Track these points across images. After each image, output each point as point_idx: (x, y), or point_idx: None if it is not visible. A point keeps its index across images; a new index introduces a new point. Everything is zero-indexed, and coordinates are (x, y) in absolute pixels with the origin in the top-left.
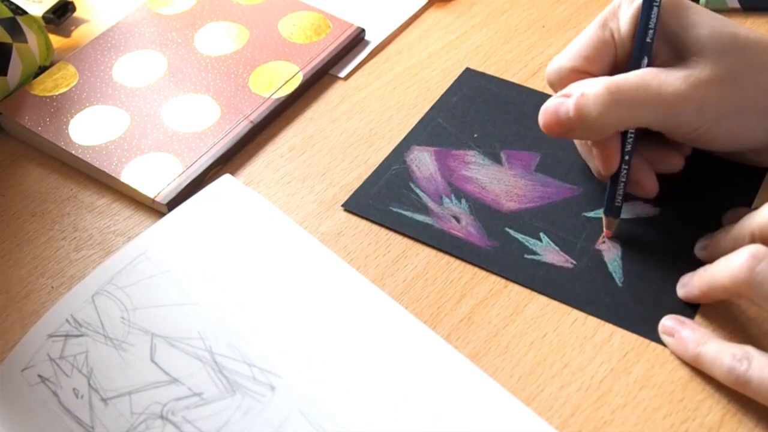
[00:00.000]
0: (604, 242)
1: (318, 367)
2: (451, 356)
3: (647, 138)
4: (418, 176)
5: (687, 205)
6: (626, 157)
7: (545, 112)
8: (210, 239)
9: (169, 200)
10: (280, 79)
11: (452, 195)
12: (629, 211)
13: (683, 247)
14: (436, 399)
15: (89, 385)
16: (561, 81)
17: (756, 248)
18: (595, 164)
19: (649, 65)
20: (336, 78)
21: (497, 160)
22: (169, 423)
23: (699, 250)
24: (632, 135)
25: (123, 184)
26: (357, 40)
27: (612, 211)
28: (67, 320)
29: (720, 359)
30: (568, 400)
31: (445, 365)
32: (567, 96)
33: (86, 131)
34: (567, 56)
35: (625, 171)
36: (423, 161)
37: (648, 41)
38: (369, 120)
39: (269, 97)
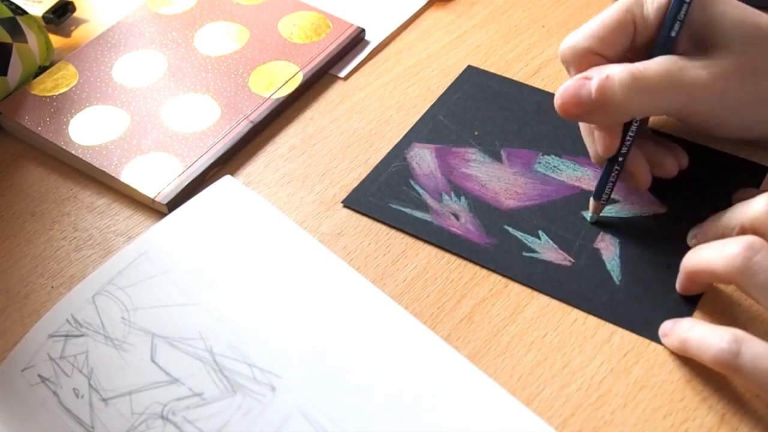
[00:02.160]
0: (602, 240)
1: (318, 368)
2: (450, 356)
3: (647, 139)
4: (418, 173)
5: (686, 204)
6: (627, 145)
7: (564, 93)
8: (211, 240)
9: (169, 200)
10: (280, 79)
11: (452, 192)
12: (628, 210)
13: (681, 246)
14: (435, 399)
15: (89, 385)
16: (575, 60)
17: (752, 239)
18: (594, 148)
19: (671, 53)
20: (336, 78)
21: (497, 158)
22: (169, 423)
23: (690, 239)
24: (636, 124)
25: (123, 184)
26: (357, 40)
27: (601, 196)
28: (67, 320)
29: (707, 343)
30: (568, 400)
31: (444, 365)
32: (587, 78)
33: (86, 131)
34: (584, 36)
35: (621, 159)
36: (423, 158)
37: (673, 35)
38: (369, 120)
39: (269, 97)
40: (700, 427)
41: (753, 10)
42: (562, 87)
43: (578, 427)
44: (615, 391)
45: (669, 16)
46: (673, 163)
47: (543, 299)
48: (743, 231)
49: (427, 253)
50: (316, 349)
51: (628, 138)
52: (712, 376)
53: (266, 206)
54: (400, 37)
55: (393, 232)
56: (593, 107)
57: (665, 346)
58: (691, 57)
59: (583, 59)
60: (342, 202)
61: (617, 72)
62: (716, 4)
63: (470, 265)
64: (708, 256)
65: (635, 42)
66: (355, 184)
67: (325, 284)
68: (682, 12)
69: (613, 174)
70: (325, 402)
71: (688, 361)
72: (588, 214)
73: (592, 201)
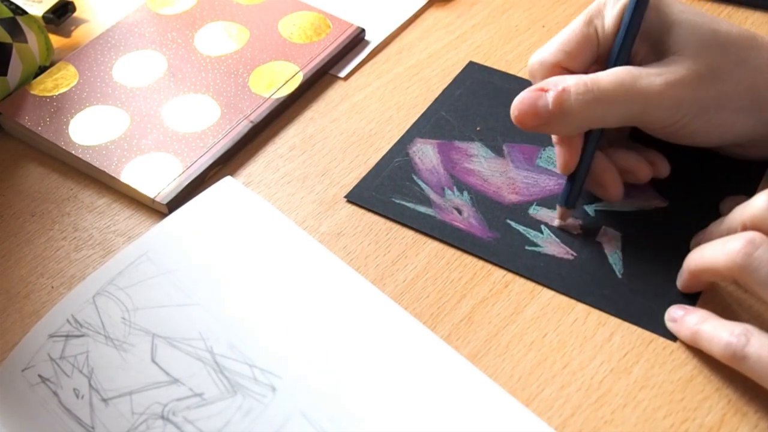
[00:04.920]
0: (604, 235)
1: (319, 368)
2: (450, 357)
3: (620, 147)
4: (421, 168)
5: (687, 198)
6: (587, 156)
7: (522, 104)
8: (211, 241)
9: (169, 200)
10: (280, 79)
11: (454, 187)
12: (629, 205)
13: (683, 240)
14: (435, 400)
15: (90, 385)
16: (543, 75)
17: (752, 234)
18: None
19: (628, 63)
20: (336, 78)
21: (500, 153)
22: (169, 423)
23: (694, 244)
24: (596, 135)
25: (123, 184)
26: (357, 40)
27: (566, 202)
28: (67, 320)
29: (718, 336)
30: (568, 400)
31: (444, 366)
32: (544, 90)
33: (86, 131)
34: (550, 50)
35: (585, 169)
36: (426, 153)
37: (629, 40)
38: (369, 120)
39: (269, 97)
40: (700, 427)
41: (711, 17)
42: (519, 99)
43: (578, 427)
44: (615, 391)
45: (624, 22)
46: (644, 170)
47: (543, 299)
48: (744, 230)
49: (427, 253)
50: (316, 349)
51: (588, 149)
52: (712, 377)
53: (266, 207)
54: (400, 37)
55: (393, 232)
56: (550, 119)
57: (671, 335)
58: (647, 65)
59: (552, 74)
60: (345, 197)
61: (573, 83)
62: (674, 13)
63: (470, 265)
64: (710, 254)
65: (599, 54)
66: (355, 184)
67: (325, 284)
68: (637, 17)
69: (576, 185)
70: (325, 402)
71: (688, 360)
72: (596, 207)
73: (558, 207)
